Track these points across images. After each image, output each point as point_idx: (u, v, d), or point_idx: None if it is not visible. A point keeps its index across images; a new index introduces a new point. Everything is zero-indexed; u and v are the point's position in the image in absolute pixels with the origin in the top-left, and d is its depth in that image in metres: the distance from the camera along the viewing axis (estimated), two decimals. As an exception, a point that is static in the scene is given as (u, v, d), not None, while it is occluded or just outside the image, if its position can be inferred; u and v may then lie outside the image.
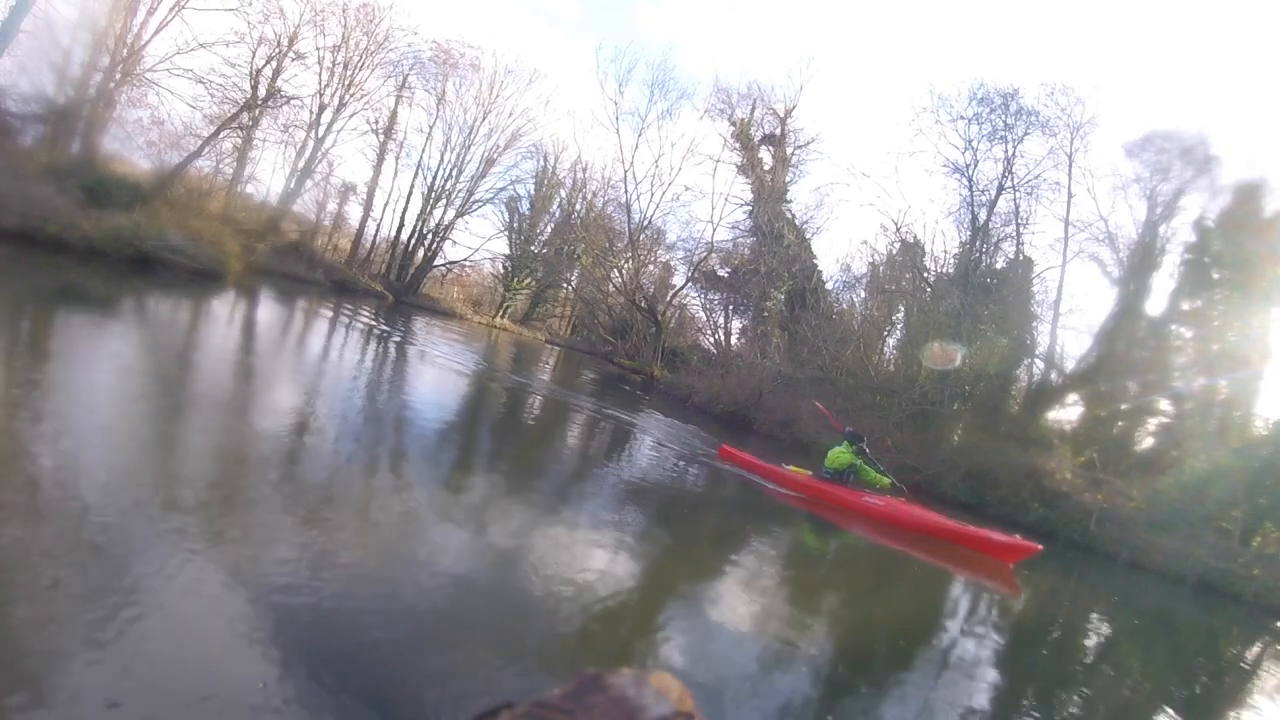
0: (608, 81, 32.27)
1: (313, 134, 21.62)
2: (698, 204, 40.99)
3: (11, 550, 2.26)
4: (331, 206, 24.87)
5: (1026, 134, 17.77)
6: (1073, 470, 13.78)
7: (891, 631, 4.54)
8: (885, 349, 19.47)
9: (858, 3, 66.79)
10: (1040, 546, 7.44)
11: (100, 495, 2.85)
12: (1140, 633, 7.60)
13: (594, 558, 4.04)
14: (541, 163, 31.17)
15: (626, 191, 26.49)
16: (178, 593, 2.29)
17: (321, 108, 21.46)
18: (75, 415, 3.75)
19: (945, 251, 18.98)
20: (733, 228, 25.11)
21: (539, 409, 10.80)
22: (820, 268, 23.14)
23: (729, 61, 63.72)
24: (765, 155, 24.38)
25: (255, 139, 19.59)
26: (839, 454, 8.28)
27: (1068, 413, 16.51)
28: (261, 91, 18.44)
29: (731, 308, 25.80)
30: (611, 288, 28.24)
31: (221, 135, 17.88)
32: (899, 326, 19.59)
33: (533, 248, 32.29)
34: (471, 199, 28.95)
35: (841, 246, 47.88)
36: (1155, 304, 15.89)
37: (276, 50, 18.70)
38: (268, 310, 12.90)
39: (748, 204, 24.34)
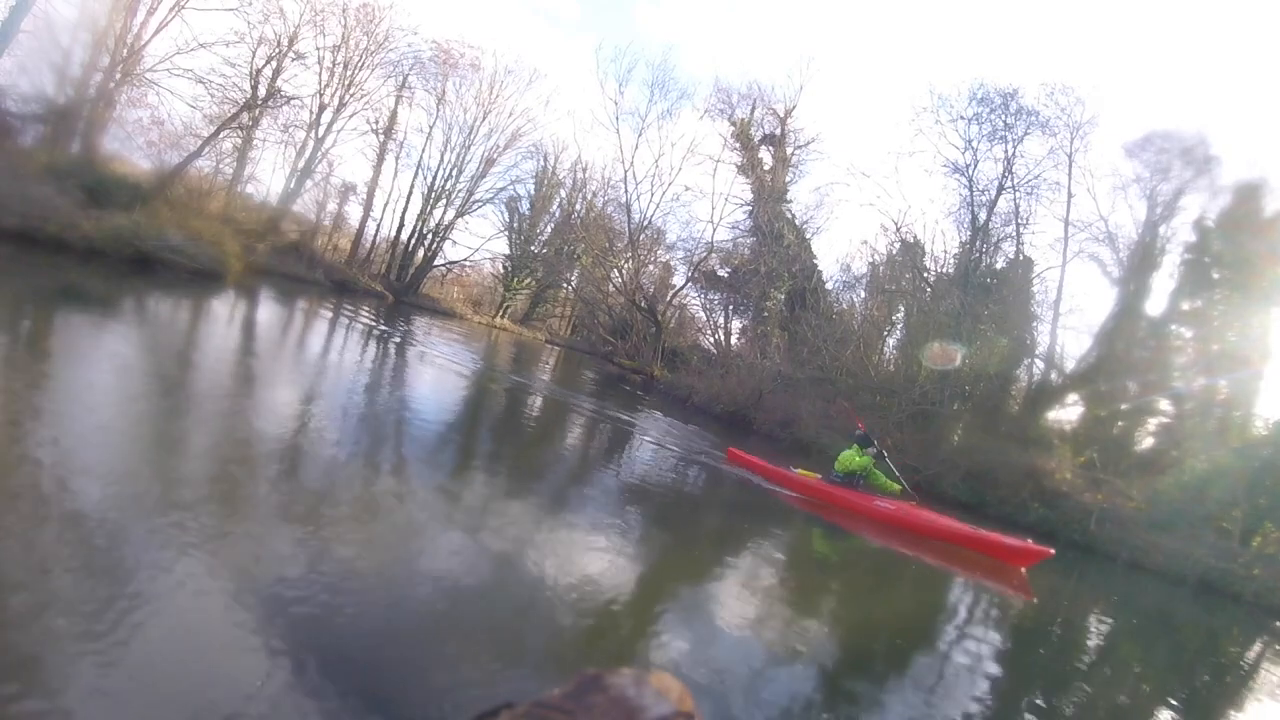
0: (608, 81, 32.23)
1: (313, 134, 21.63)
2: (698, 204, 40.95)
3: (11, 549, 2.25)
4: (331, 206, 24.91)
5: (1026, 134, 17.80)
6: (1073, 470, 13.79)
7: (895, 633, 4.53)
8: (885, 349, 19.48)
9: (858, 3, 66.84)
10: (1052, 551, 7.34)
11: (100, 494, 2.85)
12: (1140, 633, 7.60)
13: (594, 558, 4.04)
14: (541, 163, 31.22)
15: (626, 191, 26.51)
16: (177, 591, 2.29)
17: (321, 108, 21.47)
18: (75, 414, 3.75)
19: (945, 251, 19.02)
20: (733, 228, 25.13)
21: (539, 409, 10.80)
22: (820, 268, 23.16)
23: (729, 61, 63.72)
24: (765, 155, 24.38)
25: (255, 139, 19.60)
26: (849, 457, 8.13)
27: (1068, 413, 16.56)
28: (261, 91, 18.44)
29: (731, 308, 25.81)
30: (611, 288, 28.24)
31: (221, 135, 17.88)
32: (899, 326, 19.61)
33: (533, 248, 32.29)
34: (471, 199, 28.98)
35: (841, 246, 47.84)
36: (1155, 304, 15.94)
37: (276, 50, 18.71)
38: (267, 310, 12.89)
39: (748, 204, 24.35)
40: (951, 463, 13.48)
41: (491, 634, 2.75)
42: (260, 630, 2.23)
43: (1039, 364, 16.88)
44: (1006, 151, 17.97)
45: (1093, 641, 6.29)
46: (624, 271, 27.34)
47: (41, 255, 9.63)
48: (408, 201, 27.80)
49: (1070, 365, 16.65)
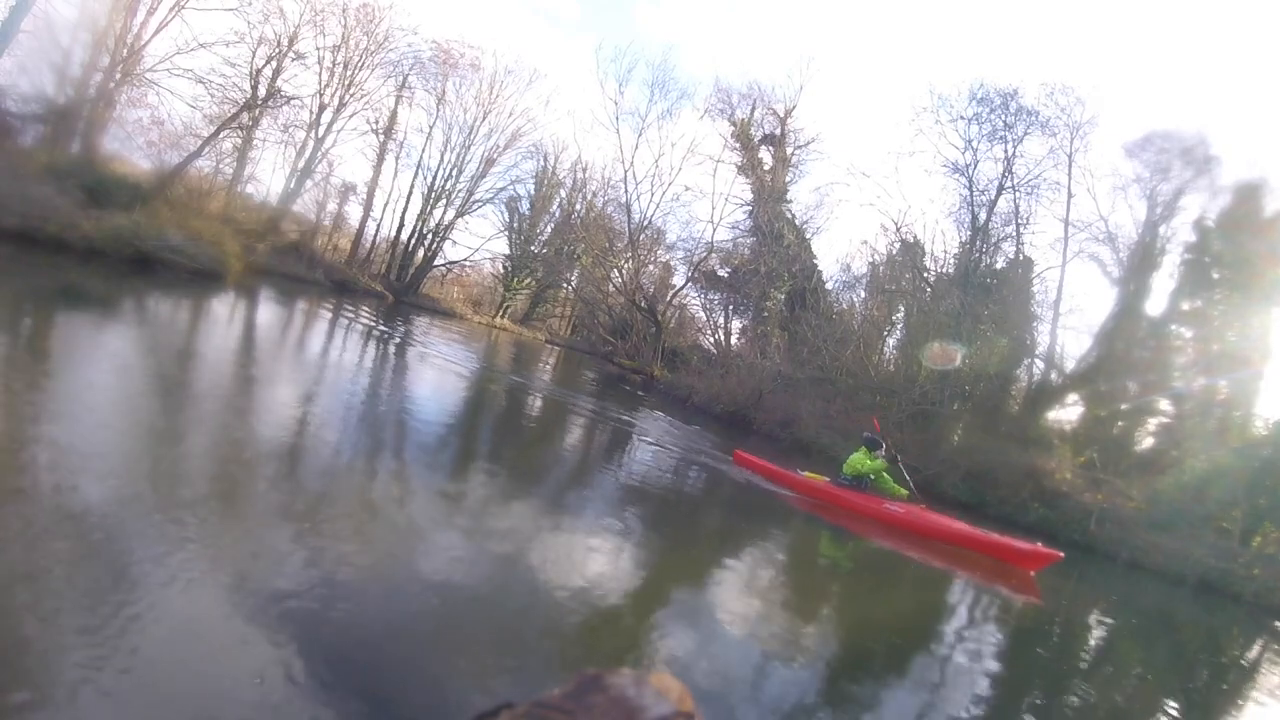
0: (608, 81, 32.18)
1: (313, 134, 21.63)
2: (698, 204, 40.87)
3: (11, 549, 2.25)
4: (331, 206, 24.91)
5: (1026, 134, 17.81)
6: (1073, 470, 13.78)
7: (897, 634, 4.53)
8: (885, 349, 19.48)
9: (858, 3, 66.84)
10: (1062, 555, 7.27)
11: (100, 494, 2.85)
12: (1140, 633, 7.60)
13: (594, 558, 4.04)
14: (541, 163, 31.22)
15: (626, 191, 26.52)
16: (177, 590, 2.29)
17: (321, 108, 21.48)
18: (75, 414, 3.75)
19: (945, 251, 19.02)
20: (733, 228, 25.14)
21: (539, 409, 10.80)
22: (820, 268, 23.16)
23: (729, 61, 63.73)
24: (765, 155, 24.39)
25: (255, 139, 19.61)
26: (858, 460, 8.04)
27: (1068, 413, 16.54)
28: (261, 91, 18.44)
29: (731, 308, 25.81)
30: (611, 288, 28.24)
31: (221, 135, 17.89)
32: (899, 326, 19.61)
33: (533, 248, 32.29)
34: (471, 199, 28.99)
35: (841, 246, 47.79)
36: (1155, 304, 15.92)
37: (276, 50, 18.72)
38: (267, 310, 12.90)
39: (748, 204, 24.36)
40: (951, 463, 13.47)
41: (491, 634, 2.75)
42: (260, 630, 2.23)
43: (1039, 364, 16.90)
44: (1006, 151, 18.00)
45: (1093, 641, 6.29)
46: (624, 271, 27.35)
47: (41, 255, 9.63)
48: (408, 201, 27.86)
49: (1070, 365, 16.67)
